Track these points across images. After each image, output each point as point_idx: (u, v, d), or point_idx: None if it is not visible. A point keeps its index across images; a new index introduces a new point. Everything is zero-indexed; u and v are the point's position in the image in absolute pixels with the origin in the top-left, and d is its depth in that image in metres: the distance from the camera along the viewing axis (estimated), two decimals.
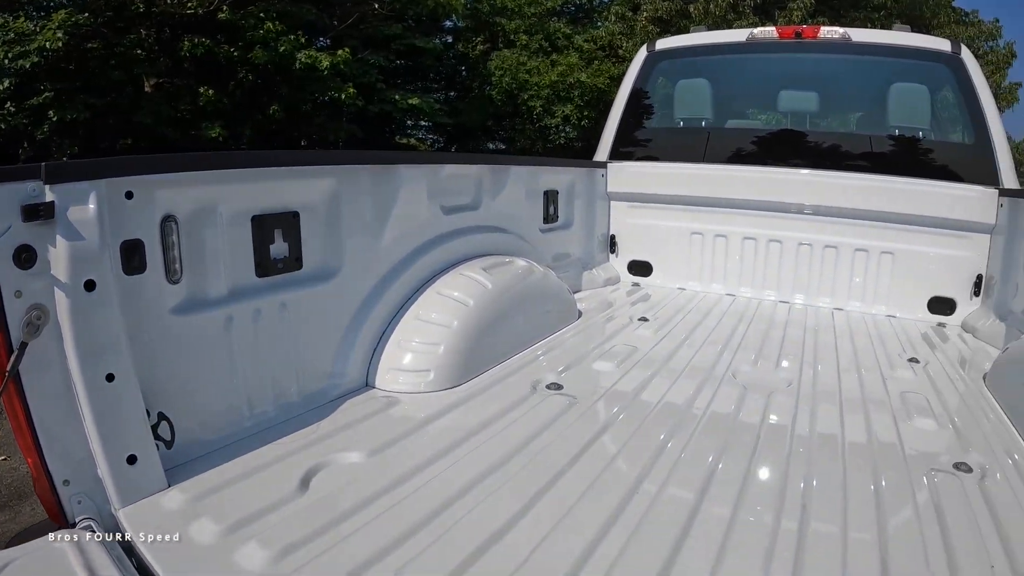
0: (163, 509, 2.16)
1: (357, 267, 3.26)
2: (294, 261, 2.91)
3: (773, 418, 3.21)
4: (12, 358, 1.97)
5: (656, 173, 6.14)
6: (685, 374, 3.75)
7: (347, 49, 18.89)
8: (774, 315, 5.29)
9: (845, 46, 5.93)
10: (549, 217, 5.31)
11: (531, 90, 26.54)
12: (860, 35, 6.01)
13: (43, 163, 2.01)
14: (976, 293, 5.26)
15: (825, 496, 2.47)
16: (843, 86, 6.87)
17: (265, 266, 2.78)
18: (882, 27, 22.61)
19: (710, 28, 21.46)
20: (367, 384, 3.31)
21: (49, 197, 2.00)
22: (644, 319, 4.89)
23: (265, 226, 2.77)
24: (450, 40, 29.43)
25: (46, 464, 2.08)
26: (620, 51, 25.67)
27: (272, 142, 20.81)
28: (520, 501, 2.28)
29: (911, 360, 4.24)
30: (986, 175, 5.22)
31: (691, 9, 23.25)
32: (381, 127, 25.80)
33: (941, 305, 5.37)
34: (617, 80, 26.09)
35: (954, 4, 27.72)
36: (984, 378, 3.92)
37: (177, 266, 2.43)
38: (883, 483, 2.59)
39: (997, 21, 27.45)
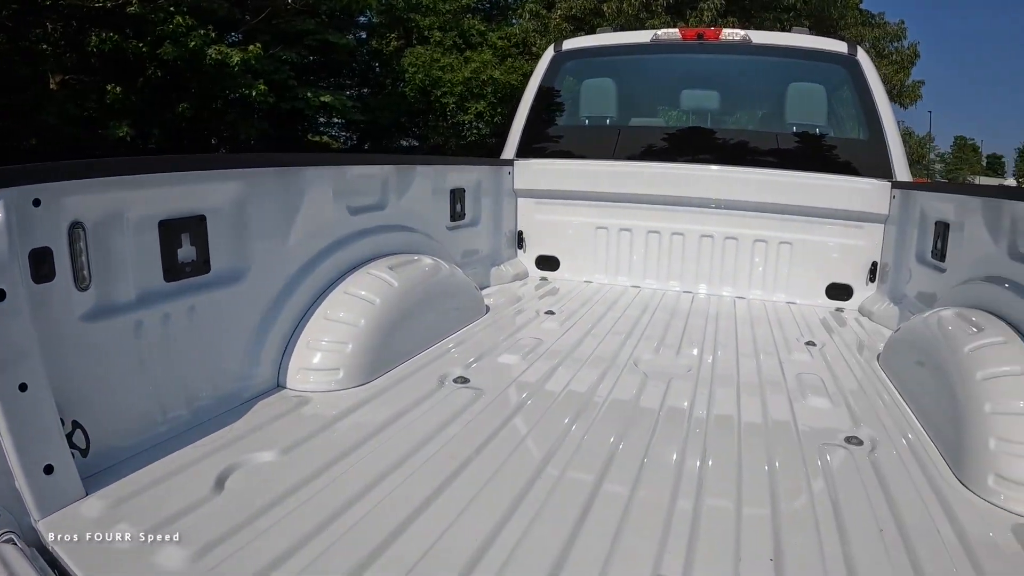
0: (83, 517, 2.14)
1: (265, 269, 3.26)
2: (202, 264, 2.90)
3: (672, 402, 3.36)
4: None
5: (561, 170, 6.32)
6: (589, 364, 3.90)
7: (258, 45, 18.51)
8: (677, 305, 5.51)
9: (746, 47, 6.16)
10: (456, 215, 5.40)
11: (444, 87, 26.63)
12: (760, 37, 6.26)
13: None
14: (872, 279, 5.63)
15: (720, 474, 2.63)
16: (744, 86, 7.20)
17: (173, 270, 2.76)
18: (789, 28, 23.33)
19: (622, 27, 21.73)
20: (278, 384, 3.33)
21: None
22: (550, 312, 5.05)
23: (172, 230, 2.75)
24: (364, 36, 29.18)
25: None
26: (534, 48, 25.93)
27: (182, 141, 20.35)
28: (428, 490, 2.37)
29: (808, 344, 4.50)
30: (880, 169, 5.56)
31: (604, 8, 23.53)
32: (293, 125, 25.46)
33: (839, 291, 5.73)
34: (530, 77, 26.33)
35: (861, 6, 28.68)
36: (878, 358, 4.19)
37: (86, 273, 2.40)
38: (776, 460, 2.75)
39: (902, 23, 28.75)
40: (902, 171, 5.54)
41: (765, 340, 4.58)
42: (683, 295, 5.90)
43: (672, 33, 6.36)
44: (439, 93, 26.85)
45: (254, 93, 18.96)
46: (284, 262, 3.43)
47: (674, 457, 2.76)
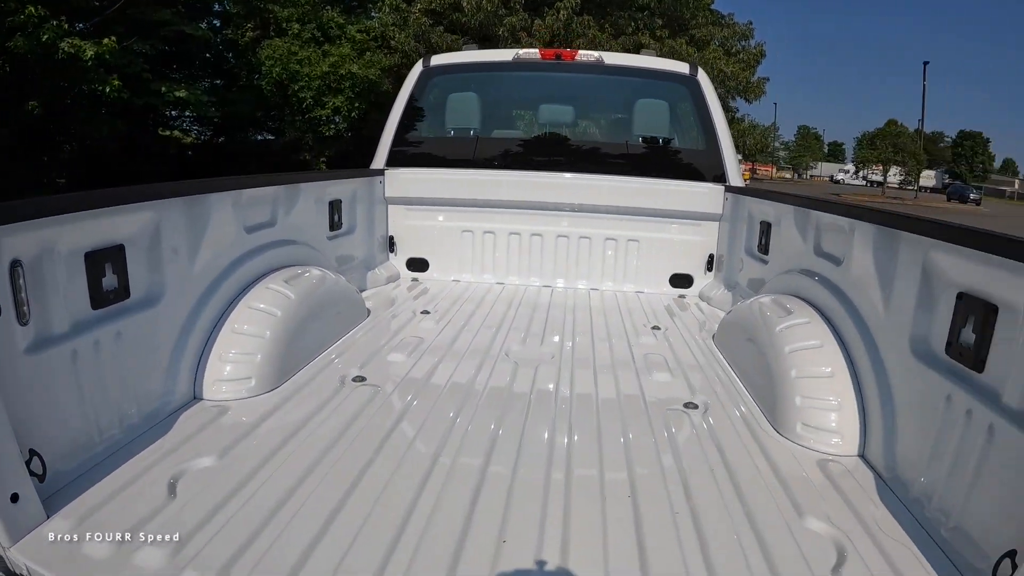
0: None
1: (177, 290, 3.48)
2: (123, 291, 3.07)
3: (540, 386, 3.96)
4: None
5: (429, 178, 6.79)
6: (466, 356, 4.43)
7: (113, 38, 17.24)
8: (539, 299, 6.16)
9: (599, 67, 6.82)
10: (334, 225, 5.73)
11: (302, 81, 26.13)
12: (612, 58, 7.02)
13: None
14: (709, 269, 6.54)
15: (585, 446, 3.22)
16: (597, 101, 7.99)
17: (99, 299, 2.91)
18: (645, 26, 24.33)
19: (481, 24, 21.99)
20: (195, 397, 3.57)
21: None
22: (426, 312, 5.53)
23: (97, 260, 2.90)
24: (218, 24, 28.24)
25: None
26: (393, 42, 25.85)
27: (35, 141, 19.36)
28: (346, 483, 2.76)
29: (654, 328, 5.25)
30: (716, 174, 6.42)
31: (464, 3, 23.74)
32: (145, 120, 24.53)
33: (681, 280, 6.60)
34: (388, 71, 26.10)
35: (712, 7, 29.93)
36: (713, 337, 4.97)
37: (26, 308, 2.49)
38: (629, 429, 3.40)
39: (750, 23, 30.17)
40: (735, 177, 6.40)
41: (616, 326, 5.27)
42: (543, 289, 6.56)
43: (532, 53, 6.91)
44: (296, 87, 26.33)
45: (108, 89, 17.81)
46: (194, 282, 3.67)
47: (546, 435, 3.33)
